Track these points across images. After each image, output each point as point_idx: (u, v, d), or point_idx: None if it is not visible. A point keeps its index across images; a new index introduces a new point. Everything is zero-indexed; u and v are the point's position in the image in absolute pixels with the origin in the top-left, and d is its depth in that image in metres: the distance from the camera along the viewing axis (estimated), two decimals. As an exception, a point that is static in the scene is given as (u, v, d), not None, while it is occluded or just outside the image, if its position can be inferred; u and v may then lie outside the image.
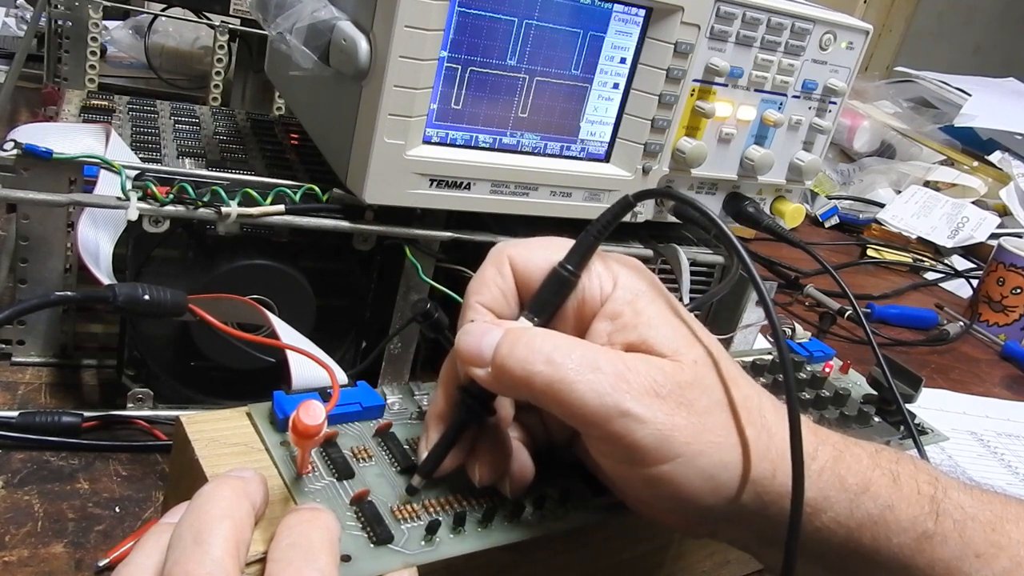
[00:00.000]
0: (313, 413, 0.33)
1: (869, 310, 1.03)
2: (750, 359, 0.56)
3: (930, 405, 0.82)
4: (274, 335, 0.47)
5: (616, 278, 0.39)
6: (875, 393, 0.56)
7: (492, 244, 0.59)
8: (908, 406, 0.55)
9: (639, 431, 0.35)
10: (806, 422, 0.38)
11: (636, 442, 0.35)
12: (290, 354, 0.44)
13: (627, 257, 0.41)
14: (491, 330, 0.37)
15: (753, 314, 0.69)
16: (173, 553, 0.29)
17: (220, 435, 0.39)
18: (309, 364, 0.43)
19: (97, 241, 0.53)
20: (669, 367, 0.36)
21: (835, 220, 1.38)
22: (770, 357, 0.57)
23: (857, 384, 0.59)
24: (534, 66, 0.56)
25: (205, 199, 0.52)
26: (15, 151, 0.52)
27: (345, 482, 0.38)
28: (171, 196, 0.52)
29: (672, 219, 0.64)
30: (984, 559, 0.37)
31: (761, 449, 0.37)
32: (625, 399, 0.34)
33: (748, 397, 0.38)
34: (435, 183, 0.55)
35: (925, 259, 1.30)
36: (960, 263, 1.30)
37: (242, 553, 0.30)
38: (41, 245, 0.57)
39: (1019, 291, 1.04)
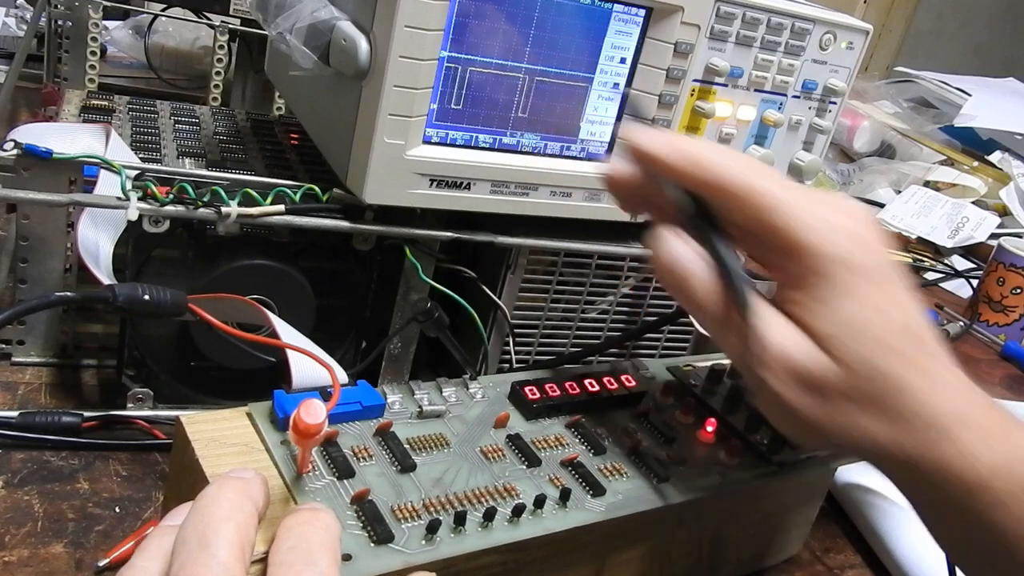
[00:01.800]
0: (314, 412, 0.33)
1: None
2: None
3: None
4: (274, 335, 0.47)
5: None
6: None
7: (492, 244, 0.59)
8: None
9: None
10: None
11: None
12: (290, 353, 0.44)
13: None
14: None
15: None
16: (179, 557, 0.29)
17: (220, 435, 0.39)
18: (309, 363, 0.43)
19: (97, 241, 0.53)
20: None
21: (835, 220, 1.38)
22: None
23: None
24: (534, 66, 0.56)
25: (205, 199, 0.53)
26: (15, 151, 0.52)
27: (345, 481, 0.38)
28: (171, 196, 0.52)
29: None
30: None
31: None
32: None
33: None
34: (435, 183, 0.55)
35: (925, 259, 1.30)
36: (960, 263, 1.30)
37: (247, 555, 0.30)
38: (41, 245, 0.57)
39: (1019, 291, 1.04)
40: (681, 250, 0.40)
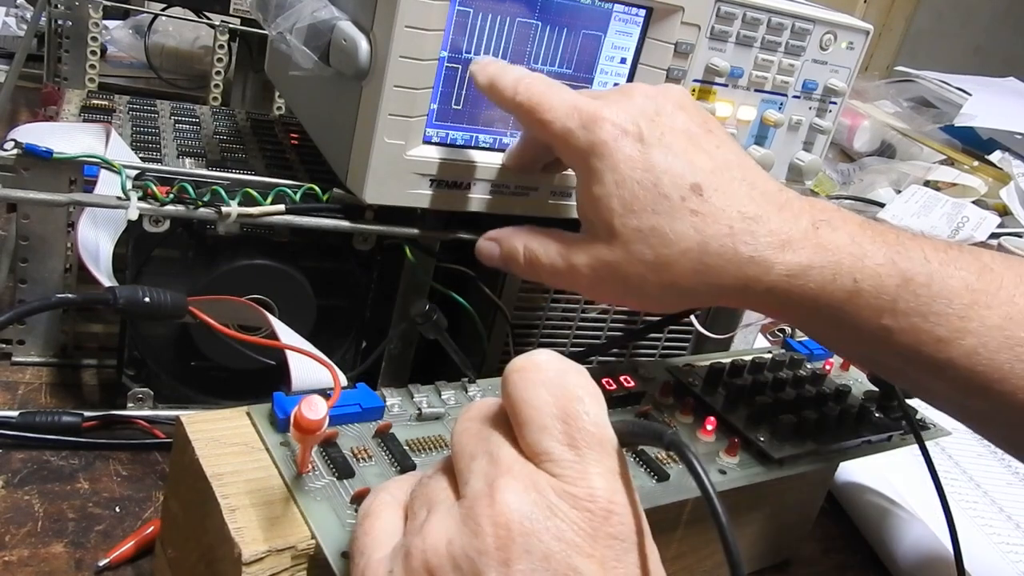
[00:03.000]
0: (315, 408, 0.33)
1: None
2: (749, 358, 0.56)
3: (930, 404, 0.82)
4: (274, 336, 0.47)
5: None
6: (876, 390, 0.56)
7: (492, 244, 0.59)
8: (909, 402, 0.55)
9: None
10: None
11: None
12: (290, 355, 0.44)
13: None
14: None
15: (753, 314, 0.69)
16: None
17: (220, 435, 0.39)
18: (309, 365, 0.43)
19: (97, 241, 0.53)
20: None
21: (835, 220, 1.38)
22: (769, 356, 0.57)
23: (858, 381, 0.59)
24: (534, 66, 0.56)
25: (205, 199, 0.53)
26: (15, 151, 0.53)
27: (345, 481, 0.38)
28: (171, 196, 0.52)
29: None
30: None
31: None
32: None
33: None
34: (435, 183, 0.55)
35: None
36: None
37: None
38: (41, 245, 0.57)
39: (1019, 291, 1.04)
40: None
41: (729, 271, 0.41)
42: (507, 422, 0.31)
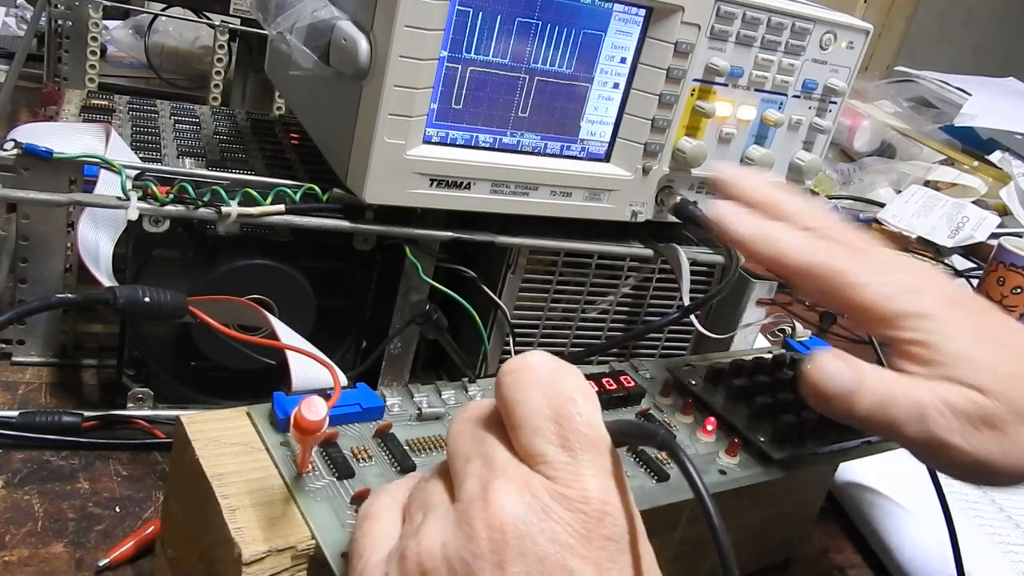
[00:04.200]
0: (315, 408, 0.33)
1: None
2: (749, 358, 0.56)
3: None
4: (274, 336, 0.47)
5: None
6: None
7: (492, 244, 0.59)
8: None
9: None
10: None
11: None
12: (290, 355, 0.44)
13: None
14: None
15: (753, 314, 0.69)
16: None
17: (220, 435, 0.39)
18: (309, 366, 0.43)
19: (97, 241, 0.53)
20: None
21: (835, 220, 1.38)
22: (770, 356, 0.57)
23: (857, 384, 0.59)
24: (534, 66, 0.56)
25: (205, 199, 0.52)
26: (15, 151, 0.52)
27: (345, 481, 0.38)
28: (171, 196, 0.52)
29: (672, 219, 0.64)
30: None
31: None
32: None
33: None
34: (435, 183, 0.55)
35: (925, 259, 1.30)
36: (960, 263, 1.30)
37: None
38: (41, 245, 0.57)
39: (1019, 291, 1.04)
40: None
41: None
42: (501, 424, 0.32)
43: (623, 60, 0.58)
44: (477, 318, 0.60)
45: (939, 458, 0.39)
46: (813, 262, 0.40)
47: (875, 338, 0.42)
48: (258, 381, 0.55)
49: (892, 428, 0.38)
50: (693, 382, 0.53)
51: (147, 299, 0.47)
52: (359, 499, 0.37)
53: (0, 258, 0.64)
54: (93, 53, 0.88)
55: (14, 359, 0.60)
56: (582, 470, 0.29)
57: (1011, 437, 0.38)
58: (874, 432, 0.40)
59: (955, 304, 0.40)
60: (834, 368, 0.39)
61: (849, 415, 0.39)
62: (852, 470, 0.66)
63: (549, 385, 0.31)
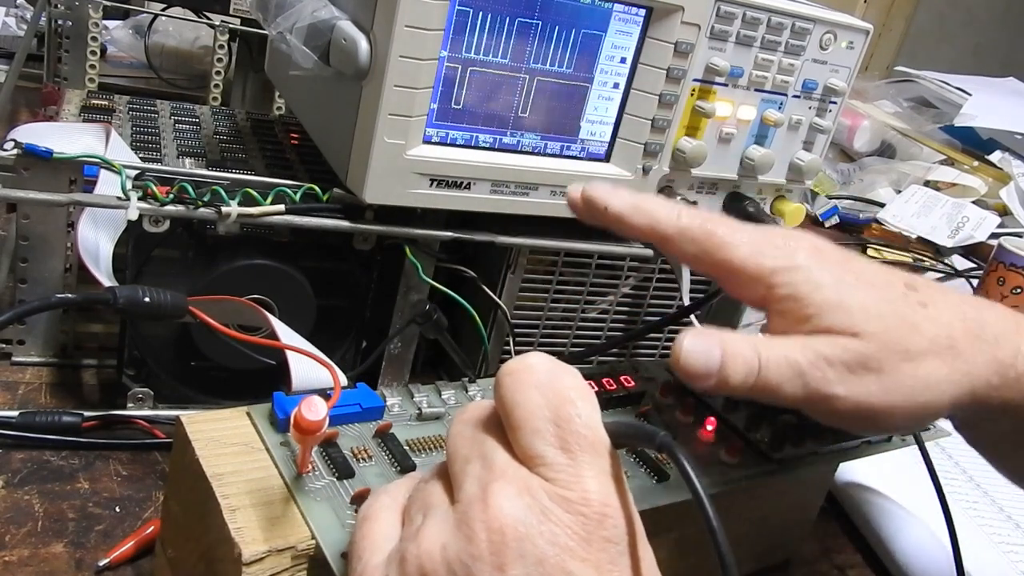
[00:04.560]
0: (315, 409, 0.33)
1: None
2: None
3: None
4: (274, 336, 0.47)
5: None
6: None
7: (492, 244, 0.59)
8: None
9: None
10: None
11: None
12: (290, 355, 0.44)
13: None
14: None
15: (753, 314, 0.69)
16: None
17: (220, 435, 0.39)
18: (309, 366, 0.43)
19: (97, 241, 0.53)
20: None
21: (835, 220, 1.38)
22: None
23: (857, 384, 0.59)
24: (534, 66, 0.56)
25: (205, 199, 0.52)
26: (15, 151, 0.52)
27: (345, 481, 0.38)
28: (171, 196, 0.52)
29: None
30: None
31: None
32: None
33: None
34: (435, 183, 0.55)
35: (925, 259, 1.30)
36: (960, 263, 1.30)
37: None
38: (41, 245, 0.57)
39: (1019, 291, 1.04)
40: None
41: (981, 354, 0.39)
42: (500, 425, 0.31)
43: (623, 60, 0.58)
44: (477, 318, 0.60)
45: (823, 411, 0.39)
46: (684, 224, 0.40)
47: (752, 306, 0.42)
48: (258, 381, 0.55)
49: (772, 391, 0.38)
50: (693, 382, 0.53)
51: (147, 299, 0.47)
52: (359, 499, 0.37)
53: (0, 258, 0.64)
54: (93, 53, 0.88)
55: (14, 359, 0.60)
56: (582, 472, 0.29)
57: (891, 376, 0.38)
58: (759, 398, 0.39)
59: (821, 253, 0.40)
60: (696, 348, 0.37)
61: (728, 389, 0.38)
62: (852, 470, 0.66)
63: (548, 386, 0.31)
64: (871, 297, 0.39)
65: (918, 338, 0.38)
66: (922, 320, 0.39)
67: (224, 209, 0.52)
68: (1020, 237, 1.14)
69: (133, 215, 0.51)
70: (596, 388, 0.49)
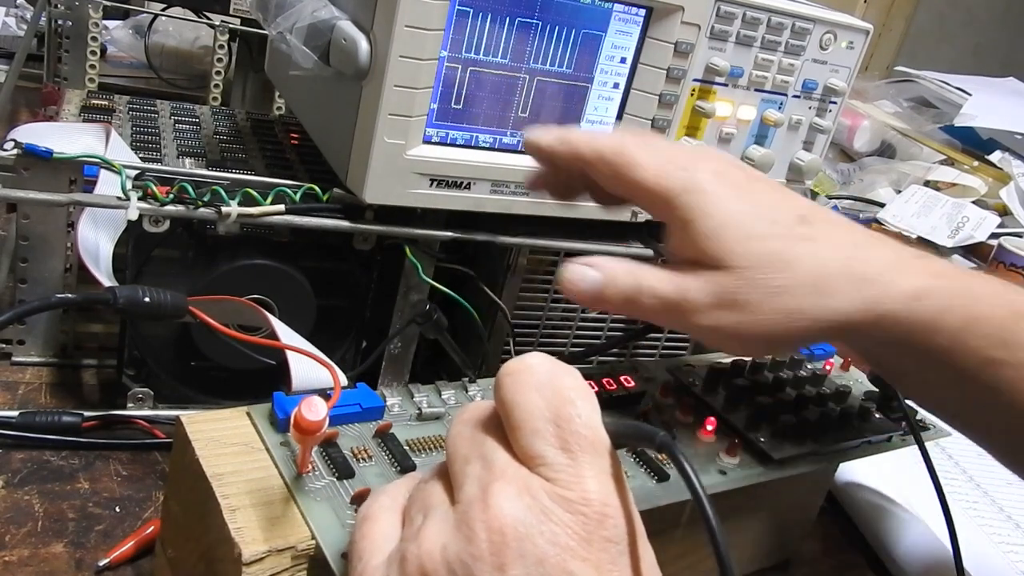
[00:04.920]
0: (315, 409, 0.33)
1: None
2: (749, 358, 0.56)
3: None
4: (274, 336, 0.47)
5: None
6: (876, 390, 0.56)
7: (492, 244, 0.59)
8: (909, 403, 0.55)
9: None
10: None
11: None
12: (290, 355, 0.44)
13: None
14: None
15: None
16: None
17: (220, 435, 0.39)
18: (309, 366, 0.43)
19: (97, 241, 0.53)
20: None
21: (835, 220, 1.38)
22: (770, 356, 0.57)
23: (858, 381, 0.59)
24: (534, 66, 0.56)
25: (205, 199, 0.53)
26: (15, 151, 0.52)
27: (345, 481, 0.38)
28: (171, 196, 0.52)
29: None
30: None
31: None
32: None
33: None
34: (435, 183, 0.55)
35: (925, 259, 1.29)
36: (960, 263, 1.30)
37: None
38: (41, 245, 0.57)
39: (1019, 291, 1.04)
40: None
41: (850, 293, 0.40)
42: (500, 426, 0.31)
43: (623, 60, 0.58)
44: (477, 318, 0.60)
45: (689, 332, 0.42)
46: (598, 146, 0.42)
47: (665, 222, 0.44)
48: (258, 381, 0.55)
49: (641, 316, 0.41)
50: (693, 382, 0.53)
51: (147, 299, 0.47)
52: (359, 499, 0.37)
53: (0, 258, 0.64)
54: (93, 53, 0.88)
55: (14, 359, 0.60)
56: (582, 472, 0.29)
57: (750, 311, 0.39)
58: (646, 320, 0.43)
59: (723, 177, 0.41)
60: (580, 271, 0.41)
61: (606, 307, 0.42)
62: (852, 470, 0.66)
63: (548, 387, 0.31)
64: (755, 229, 0.40)
65: (787, 275, 0.39)
66: (798, 256, 0.40)
67: (224, 209, 0.52)
68: (1020, 237, 1.14)
69: (133, 215, 0.51)
70: (596, 388, 0.49)
